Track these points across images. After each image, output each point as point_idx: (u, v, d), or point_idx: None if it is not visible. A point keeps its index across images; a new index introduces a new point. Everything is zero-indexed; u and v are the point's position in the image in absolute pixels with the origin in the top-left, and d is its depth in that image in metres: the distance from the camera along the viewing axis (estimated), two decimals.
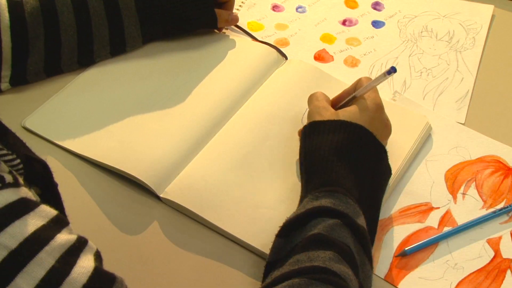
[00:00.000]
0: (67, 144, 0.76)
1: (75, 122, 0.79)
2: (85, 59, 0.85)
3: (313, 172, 0.64)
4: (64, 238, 0.43)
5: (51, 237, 0.42)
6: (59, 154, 0.75)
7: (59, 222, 0.44)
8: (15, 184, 0.43)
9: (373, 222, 0.65)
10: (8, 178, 0.43)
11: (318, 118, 0.68)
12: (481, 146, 0.78)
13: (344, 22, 0.97)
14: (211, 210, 0.69)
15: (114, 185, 0.73)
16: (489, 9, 0.98)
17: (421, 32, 0.95)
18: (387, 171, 0.69)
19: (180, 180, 0.72)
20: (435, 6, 0.99)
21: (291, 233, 0.59)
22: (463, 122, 0.81)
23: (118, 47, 0.86)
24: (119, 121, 0.78)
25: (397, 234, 0.69)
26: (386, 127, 0.71)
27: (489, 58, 0.91)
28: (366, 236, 0.60)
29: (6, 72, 0.81)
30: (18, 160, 0.48)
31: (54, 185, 0.53)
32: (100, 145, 0.75)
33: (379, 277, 0.65)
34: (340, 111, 0.69)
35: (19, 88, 0.83)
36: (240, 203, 0.70)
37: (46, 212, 0.44)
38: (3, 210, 0.41)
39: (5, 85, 0.82)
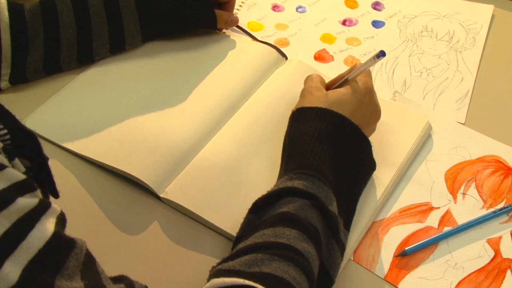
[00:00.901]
0: (67, 144, 0.76)
1: (75, 122, 0.79)
2: (85, 57, 0.85)
3: (293, 155, 0.65)
4: (25, 201, 0.43)
5: (10, 200, 0.42)
6: (59, 154, 0.75)
7: (24, 187, 0.44)
8: None
9: (350, 211, 0.66)
10: None
11: (308, 97, 0.70)
12: (481, 146, 0.78)
13: (344, 22, 0.97)
14: (211, 210, 0.69)
15: (114, 185, 0.73)
16: (489, 9, 0.98)
17: (421, 32, 0.95)
18: (370, 164, 0.70)
19: (180, 180, 0.72)
20: (435, 6, 0.99)
21: (261, 209, 0.61)
22: (463, 122, 0.81)
23: (118, 45, 0.86)
24: (119, 121, 0.78)
25: (397, 234, 0.69)
26: (375, 111, 0.72)
27: (489, 58, 0.91)
28: (337, 222, 0.61)
29: (6, 70, 0.81)
30: (5, 131, 0.48)
31: (44, 158, 0.52)
32: (100, 145, 0.75)
33: (379, 277, 0.66)
34: (329, 91, 0.70)
35: (19, 88, 0.83)
36: (240, 203, 0.70)
37: (11, 175, 0.43)
38: None
39: (4, 83, 0.82)
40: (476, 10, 0.98)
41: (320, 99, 0.69)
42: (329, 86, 0.75)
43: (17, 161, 0.47)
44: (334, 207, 0.61)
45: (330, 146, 0.65)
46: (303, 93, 0.73)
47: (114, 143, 0.75)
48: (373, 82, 0.73)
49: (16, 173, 0.44)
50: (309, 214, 0.59)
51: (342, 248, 0.62)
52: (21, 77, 0.82)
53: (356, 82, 0.70)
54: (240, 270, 0.53)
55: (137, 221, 0.69)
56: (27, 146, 0.50)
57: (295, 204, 0.59)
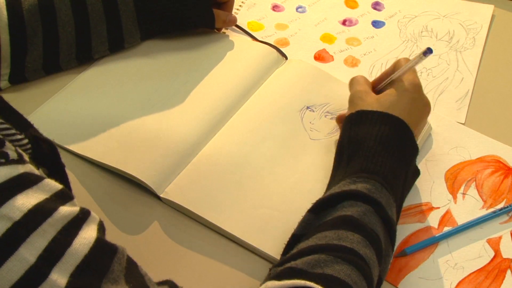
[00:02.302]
0: (67, 144, 0.76)
1: (75, 122, 0.79)
2: (84, 55, 0.85)
3: (355, 158, 0.65)
4: (67, 210, 0.44)
5: (54, 209, 0.43)
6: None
7: (63, 196, 0.45)
8: (19, 161, 0.44)
9: (398, 216, 0.65)
10: (13, 155, 0.44)
11: (360, 102, 0.70)
12: (481, 146, 0.78)
13: (344, 22, 0.97)
14: (211, 210, 0.69)
15: (114, 185, 0.73)
16: (489, 9, 0.98)
17: (421, 32, 0.95)
18: (416, 172, 0.70)
19: (180, 180, 0.72)
20: (435, 6, 0.99)
21: (322, 211, 0.60)
22: (463, 122, 0.81)
23: (117, 44, 0.86)
24: (119, 121, 0.78)
25: (397, 234, 0.69)
26: (427, 105, 0.71)
27: (489, 58, 0.91)
28: (395, 228, 0.61)
29: (5, 70, 0.81)
30: (26, 140, 0.49)
31: (62, 166, 0.54)
32: (100, 145, 0.75)
33: None
34: (381, 95, 0.69)
35: (19, 88, 0.83)
36: (240, 203, 0.70)
37: (50, 186, 0.45)
38: (5, 184, 0.42)
39: (4, 83, 0.82)
40: (476, 10, 0.98)
41: (373, 105, 0.68)
42: (374, 86, 0.74)
43: (41, 171, 0.48)
44: (393, 213, 0.61)
45: (391, 152, 0.65)
46: (352, 99, 0.72)
47: (114, 143, 0.75)
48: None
49: (53, 183, 0.45)
50: (373, 221, 0.58)
51: (393, 252, 0.62)
52: (20, 77, 0.82)
53: (403, 82, 0.69)
54: (303, 269, 0.53)
55: (137, 221, 0.69)
56: (46, 154, 0.51)
57: (359, 209, 0.59)
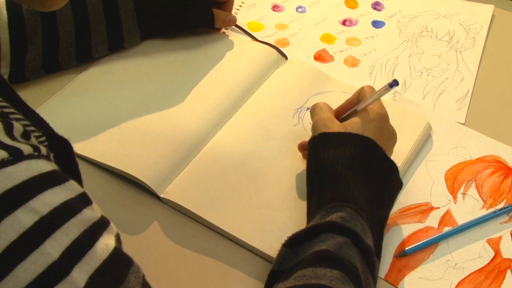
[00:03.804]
0: None
1: (75, 122, 0.79)
2: (84, 55, 0.85)
3: (325, 186, 0.63)
4: (90, 213, 0.44)
5: (78, 210, 0.43)
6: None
7: (85, 199, 0.45)
8: (48, 157, 0.45)
9: (379, 239, 0.63)
10: (43, 151, 0.44)
11: (324, 129, 0.67)
12: (481, 146, 0.78)
13: (344, 22, 0.97)
14: (211, 210, 0.69)
15: (114, 185, 0.73)
16: (489, 9, 0.98)
17: (421, 32, 0.95)
18: (398, 185, 0.67)
19: (180, 180, 0.72)
20: (435, 6, 0.99)
21: (298, 245, 0.59)
22: (463, 122, 0.81)
23: (116, 43, 0.86)
24: (119, 121, 0.78)
25: (397, 234, 0.69)
26: (393, 136, 0.70)
27: (489, 58, 0.91)
28: (373, 256, 0.59)
29: (5, 70, 0.81)
30: (44, 138, 0.50)
31: (76, 165, 0.54)
32: (100, 145, 0.75)
33: (379, 277, 0.65)
34: (347, 123, 0.67)
35: (19, 88, 0.83)
36: (240, 203, 0.70)
37: (75, 187, 0.45)
38: (39, 177, 0.42)
39: None
40: (476, 10, 0.98)
41: (337, 131, 0.66)
42: (338, 115, 0.71)
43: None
44: (369, 239, 0.60)
45: (361, 173, 0.63)
46: (315, 126, 0.68)
47: (114, 143, 0.75)
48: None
49: (77, 185, 0.45)
50: (349, 253, 0.57)
51: (375, 280, 0.60)
52: (20, 76, 0.82)
53: (368, 111, 0.67)
54: None
55: (137, 221, 0.69)
56: (61, 152, 0.51)
57: (334, 242, 0.57)
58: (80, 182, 0.54)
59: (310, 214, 0.64)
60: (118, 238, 0.47)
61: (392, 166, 0.66)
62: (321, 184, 0.63)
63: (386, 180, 0.66)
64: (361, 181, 0.63)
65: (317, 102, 0.71)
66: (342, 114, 0.71)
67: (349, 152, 0.64)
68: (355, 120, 0.67)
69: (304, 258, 0.57)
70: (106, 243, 0.44)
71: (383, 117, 0.68)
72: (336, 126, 0.67)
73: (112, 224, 0.47)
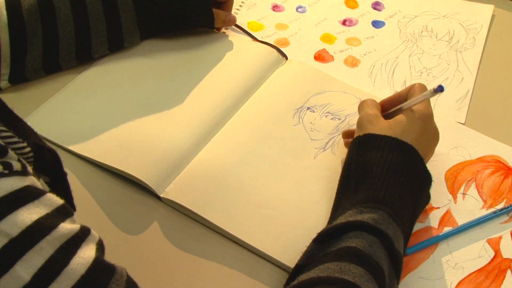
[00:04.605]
0: (67, 144, 0.76)
1: (75, 122, 0.79)
2: (84, 55, 0.85)
3: (363, 186, 0.63)
4: (67, 227, 0.43)
5: (53, 226, 0.42)
6: (59, 154, 0.75)
7: (64, 212, 0.44)
8: (23, 172, 0.43)
9: (406, 245, 0.63)
10: (17, 166, 0.43)
11: (370, 126, 0.67)
12: (481, 146, 0.78)
13: (344, 22, 0.97)
14: (211, 210, 0.69)
15: (114, 185, 0.73)
16: (489, 9, 0.98)
17: (421, 32, 0.95)
18: (426, 198, 0.67)
19: (180, 179, 0.72)
20: (435, 6, 0.99)
21: (327, 241, 0.58)
22: (463, 122, 0.81)
23: (116, 43, 0.86)
24: (119, 121, 0.78)
25: None
26: (436, 135, 0.70)
27: (489, 58, 0.91)
28: (401, 262, 0.59)
29: (5, 70, 0.81)
30: (29, 148, 0.48)
31: (64, 174, 0.53)
32: (100, 145, 0.75)
33: None
34: (392, 121, 0.67)
35: (19, 88, 0.83)
36: (240, 202, 0.70)
37: (52, 201, 0.44)
38: (7, 197, 0.41)
39: (4, 83, 0.82)
40: (476, 10, 0.98)
41: (383, 130, 0.66)
42: (384, 107, 0.72)
43: (41, 181, 0.47)
44: (400, 246, 0.59)
45: (401, 180, 0.62)
46: (361, 122, 0.69)
47: (114, 143, 0.75)
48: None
49: (55, 198, 0.44)
50: (378, 253, 0.56)
51: (397, 286, 0.60)
52: (20, 77, 0.82)
53: (414, 110, 0.67)
54: None
55: (137, 221, 0.69)
56: (48, 162, 0.50)
57: (364, 240, 0.56)
58: (67, 191, 0.53)
59: (337, 210, 0.64)
60: (99, 246, 0.46)
61: (428, 178, 0.66)
62: (359, 183, 0.63)
63: (420, 191, 0.65)
64: (399, 187, 0.62)
65: (365, 99, 0.72)
66: (388, 108, 0.72)
67: (391, 157, 0.63)
68: (400, 118, 0.67)
69: (331, 252, 0.56)
70: (84, 256, 0.43)
71: (428, 117, 0.68)
72: (381, 123, 0.67)
73: (93, 232, 0.46)
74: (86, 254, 0.44)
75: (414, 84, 0.70)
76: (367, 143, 0.66)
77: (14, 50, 0.80)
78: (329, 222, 0.64)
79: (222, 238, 0.68)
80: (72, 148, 0.75)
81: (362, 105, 0.72)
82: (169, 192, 0.70)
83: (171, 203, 0.70)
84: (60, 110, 0.80)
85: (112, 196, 0.72)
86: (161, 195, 0.70)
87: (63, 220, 0.44)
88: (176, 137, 0.75)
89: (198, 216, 0.69)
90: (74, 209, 0.54)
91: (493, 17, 0.97)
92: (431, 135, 0.69)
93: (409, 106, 0.68)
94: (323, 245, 0.58)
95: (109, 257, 0.66)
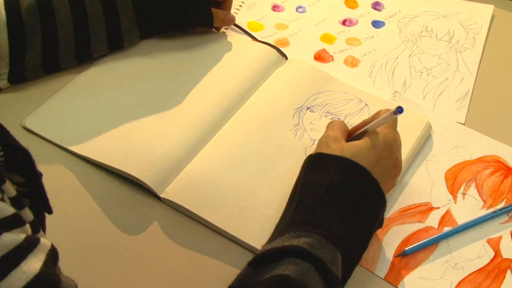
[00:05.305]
0: (67, 144, 0.76)
1: (75, 122, 0.79)
2: (83, 54, 0.85)
3: (303, 206, 0.62)
4: (10, 237, 0.41)
5: None
6: (59, 154, 0.75)
7: (11, 222, 0.42)
8: None
9: (351, 270, 0.62)
10: None
11: (324, 148, 0.66)
12: (481, 146, 0.78)
13: (344, 22, 0.97)
14: (211, 210, 0.69)
15: (114, 185, 0.73)
16: (489, 9, 0.98)
17: (421, 32, 0.95)
18: (379, 222, 0.65)
19: (180, 180, 0.72)
20: (435, 6, 0.99)
21: (262, 265, 0.57)
22: (463, 122, 0.81)
23: (116, 43, 0.86)
24: (119, 121, 0.78)
25: (397, 234, 0.69)
26: (395, 167, 0.67)
27: (489, 58, 0.91)
28: (338, 286, 0.57)
29: (4, 70, 0.81)
30: None
31: (37, 175, 0.50)
32: (100, 145, 0.75)
33: (379, 277, 0.66)
34: (346, 144, 0.66)
35: (19, 88, 0.83)
36: (240, 203, 0.70)
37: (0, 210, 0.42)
38: None
39: (3, 82, 0.82)
40: (476, 10, 0.98)
41: (335, 151, 0.65)
42: (351, 134, 0.70)
43: (7, 185, 0.45)
44: (338, 269, 0.58)
45: (343, 201, 0.61)
46: (320, 143, 0.68)
47: (114, 143, 0.75)
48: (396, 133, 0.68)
49: (5, 208, 0.42)
50: (312, 281, 0.55)
51: None
52: (20, 76, 0.82)
53: (376, 135, 0.65)
54: None
55: (137, 221, 0.69)
56: (20, 162, 0.49)
57: (298, 268, 0.55)
58: (42, 192, 0.51)
59: (279, 229, 0.63)
60: (49, 257, 0.43)
61: (381, 201, 0.64)
62: (299, 203, 0.62)
63: (370, 212, 0.63)
64: (341, 210, 0.61)
65: (334, 120, 0.70)
66: (354, 132, 0.70)
67: (337, 178, 0.62)
68: (356, 143, 0.65)
69: (263, 280, 0.55)
70: (25, 270, 0.41)
71: (388, 145, 0.65)
72: (335, 147, 0.65)
73: (43, 241, 0.43)
74: (30, 267, 0.41)
75: (380, 110, 0.68)
76: (316, 163, 0.65)
77: (13, 49, 0.80)
78: (269, 239, 0.63)
79: (222, 238, 0.68)
80: (72, 148, 0.75)
81: (327, 126, 0.70)
82: (169, 192, 0.70)
83: (171, 203, 0.70)
84: (60, 110, 0.80)
85: (112, 196, 0.72)
86: (161, 195, 0.70)
87: (7, 230, 0.41)
88: (176, 137, 0.75)
89: (198, 216, 0.69)
90: (50, 211, 0.53)
91: (493, 17, 0.97)
92: (390, 165, 0.66)
93: (371, 128, 0.66)
94: (258, 269, 0.56)
95: (109, 257, 0.66)
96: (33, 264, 0.41)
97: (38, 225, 0.48)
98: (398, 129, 0.70)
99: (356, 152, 0.64)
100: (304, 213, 0.61)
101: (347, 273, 0.61)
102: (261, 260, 0.57)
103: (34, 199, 0.50)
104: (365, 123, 0.69)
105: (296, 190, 0.65)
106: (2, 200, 0.43)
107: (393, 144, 0.66)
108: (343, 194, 0.62)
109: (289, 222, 0.62)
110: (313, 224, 0.60)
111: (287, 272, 0.54)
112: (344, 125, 0.70)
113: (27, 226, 0.44)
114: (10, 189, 0.45)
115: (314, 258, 0.56)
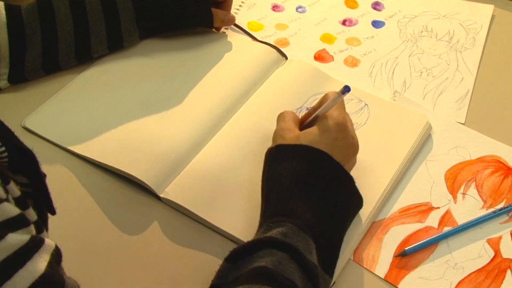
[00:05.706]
0: (67, 144, 0.76)
1: (75, 122, 0.79)
2: (83, 54, 0.85)
3: (271, 200, 0.62)
4: (16, 238, 0.41)
5: (0, 236, 0.40)
6: (59, 154, 0.75)
7: (17, 223, 0.42)
8: None
9: (333, 255, 0.62)
10: None
11: (280, 140, 0.66)
12: (481, 146, 0.78)
13: (344, 22, 0.97)
14: (211, 210, 0.69)
15: (114, 185, 0.73)
16: (489, 9, 0.98)
17: (421, 32, 0.95)
18: (356, 199, 0.65)
19: (180, 180, 0.72)
20: (435, 6, 0.99)
21: (238, 260, 0.57)
22: (463, 122, 0.81)
23: (115, 43, 0.86)
24: (119, 121, 0.78)
25: (397, 234, 0.69)
26: (352, 145, 0.66)
27: (489, 58, 0.91)
28: (316, 272, 0.57)
29: (4, 70, 0.81)
30: (3, 148, 0.47)
31: (41, 176, 0.51)
32: (100, 145, 0.75)
33: (379, 277, 0.66)
34: (301, 133, 0.66)
35: (19, 88, 0.83)
36: (240, 203, 0.70)
37: (4, 210, 0.42)
38: None
39: (3, 82, 0.82)
40: (476, 10, 0.98)
41: (291, 141, 0.65)
42: (302, 122, 0.70)
43: (12, 185, 0.45)
44: (313, 256, 0.58)
45: (310, 187, 0.61)
46: (274, 136, 0.68)
47: (114, 143, 0.75)
48: (346, 112, 0.68)
49: (10, 208, 0.42)
50: (288, 269, 0.55)
51: None
52: (20, 76, 0.82)
53: (327, 118, 0.65)
54: None
55: (137, 221, 0.69)
56: (24, 163, 0.49)
57: (274, 258, 0.55)
58: (46, 193, 0.52)
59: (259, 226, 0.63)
60: (54, 257, 0.44)
61: (348, 180, 0.64)
62: (268, 197, 0.63)
63: (341, 193, 0.64)
64: (308, 196, 0.61)
65: (282, 112, 0.71)
66: (305, 120, 0.70)
67: (299, 166, 0.62)
68: (310, 130, 0.66)
69: (242, 275, 0.55)
70: (31, 270, 0.41)
71: (341, 126, 0.65)
72: (291, 137, 0.66)
73: (47, 242, 0.44)
74: (35, 267, 0.41)
75: (327, 93, 0.68)
76: (277, 155, 0.65)
77: (13, 49, 0.80)
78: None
79: (222, 238, 0.68)
80: (72, 148, 0.75)
81: (278, 118, 0.70)
82: (169, 192, 0.70)
83: (171, 203, 0.70)
84: (60, 110, 0.80)
85: (112, 196, 0.72)
86: (161, 195, 0.70)
87: (13, 230, 0.41)
88: (176, 137, 0.75)
89: (198, 216, 0.69)
90: (53, 212, 0.53)
91: (493, 17, 0.97)
92: (346, 146, 0.66)
93: (321, 112, 0.66)
94: (236, 264, 0.57)
95: (109, 257, 0.66)
96: (38, 264, 0.42)
97: (42, 225, 0.48)
98: (397, 128, 0.70)
99: (312, 139, 0.64)
100: (273, 206, 0.62)
101: (329, 260, 0.61)
102: (238, 255, 0.58)
103: (38, 200, 0.50)
104: (314, 109, 0.69)
105: (262, 186, 0.65)
106: (7, 200, 0.43)
107: (346, 124, 0.66)
108: (307, 180, 0.62)
109: (262, 216, 0.63)
110: (282, 213, 0.60)
111: (264, 264, 0.55)
112: (295, 115, 0.70)
113: (32, 227, 0.45)
114: (15, 189, 0.46)
115: (288, 246, 0.57)
